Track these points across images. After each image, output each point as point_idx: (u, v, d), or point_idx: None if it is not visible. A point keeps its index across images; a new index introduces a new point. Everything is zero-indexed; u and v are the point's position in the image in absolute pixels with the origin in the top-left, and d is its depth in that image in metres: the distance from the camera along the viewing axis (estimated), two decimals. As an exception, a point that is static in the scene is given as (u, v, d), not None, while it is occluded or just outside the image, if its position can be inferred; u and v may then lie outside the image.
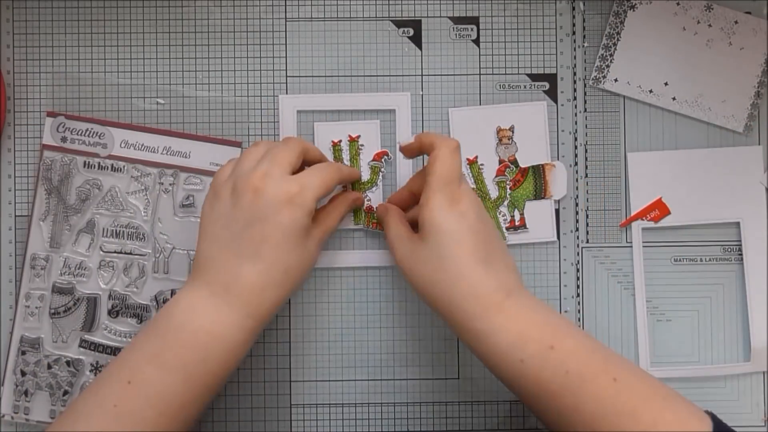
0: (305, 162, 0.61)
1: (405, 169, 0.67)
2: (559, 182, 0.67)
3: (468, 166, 0.67)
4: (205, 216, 0.58)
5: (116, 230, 0.66)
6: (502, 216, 0.67)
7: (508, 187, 0.67)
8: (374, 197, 0.67)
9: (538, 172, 0.67)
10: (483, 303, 0.55)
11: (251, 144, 0.61)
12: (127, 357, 0.56)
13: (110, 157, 0.66)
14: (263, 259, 0.56)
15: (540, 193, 0.67)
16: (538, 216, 0.67)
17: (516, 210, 0.67)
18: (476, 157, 0.67)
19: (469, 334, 0.56)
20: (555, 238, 0.67)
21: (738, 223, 0.67)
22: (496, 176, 0.67)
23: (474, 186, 0.67)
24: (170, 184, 0.66)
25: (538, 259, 0.67)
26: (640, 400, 0.52)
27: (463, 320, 0.56)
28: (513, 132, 0.67)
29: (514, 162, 0.67)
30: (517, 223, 0.67)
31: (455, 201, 0.57)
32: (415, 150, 0.61)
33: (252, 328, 0.56)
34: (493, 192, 0.67)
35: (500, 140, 0.67)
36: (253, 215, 0.56)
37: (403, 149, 0.62)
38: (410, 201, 0.64)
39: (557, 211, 0.67)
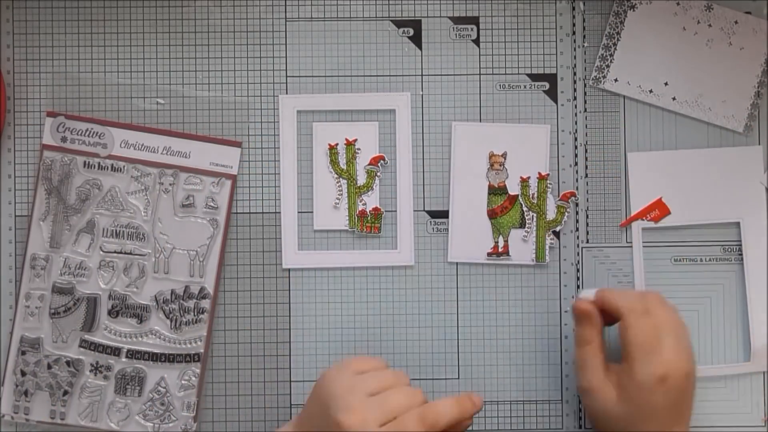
0: None
1: (403, 174, 0.67)
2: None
3: (537, 181, 0.66)
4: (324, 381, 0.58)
5: (116, 230, 0.66)
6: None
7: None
8: (370, 201, 0.67)
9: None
10: None
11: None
12: None
13: (110, 157, 0.66)
14: None
15: (525, 222, 0.67)
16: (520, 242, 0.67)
17: (501, 237, 0.67)
18: (548, 174, 0.66)
19: None
20: (534, 263, 0.67)
21: (738, 223, 0.67)
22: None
23: (536, 201, 0.66)
24: (170, 184, 0.66)
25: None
26: None
27: None
28: (505, 158, 0.67)
29: (504, 188, 0.67)
30: (500, 250, 0.67)
31: (662, 378, 0.58)
32: (593, 311, 0.62)
33: None
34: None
35: (491, 165, 0.67)
36: None
37: (578, 308, 0.62)
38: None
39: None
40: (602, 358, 0.61)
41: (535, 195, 0.66)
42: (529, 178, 0.66)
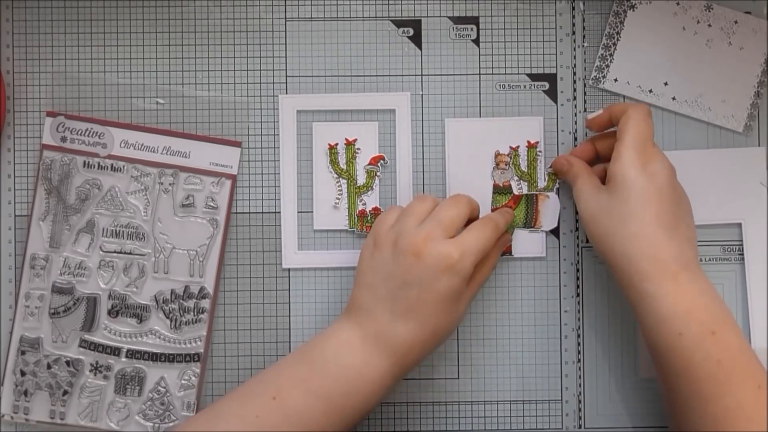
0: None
1: (403, 174, 0.67)
2: (550, 214, 0.67)
3: (527, 150, 0.67)
4: (364, 261, 0.60)
5: (116, 230, 0.66)
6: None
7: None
8: (369, 201, 0.67)
9: (531, 201, 0.67)
10: (658, 267, 0.56)
11: (417, 196, 0.62)
12: (273, 376, 0.59)
13: (110, 156, 0.66)
14: (415, 318, 0.58)
15: (530, 222, 0.67)
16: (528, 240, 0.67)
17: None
18: (537, 143, 0.66)
19: (636, 294, 0.57)
20: (544, 254, 0.67)
21: (739, 225, 0.67)
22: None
23: (526, 170, 0.66)
24: (170, 184, 0.66)
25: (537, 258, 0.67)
26: None
27: (633, 278, 0.57)
28: (511, 158, 0.67)
29: (509, 188, 0.67)
30: (504, 249, 0.67)
31: (648, 160, 0.58)
32: (605, 121, 0.63)
33: (396, 375, 0.58)
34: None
35: (497, 164, 0.67)
36: (412, 277, 0.57)
37: (590, 123, 0.63)
38: (592, 155, 0.64)
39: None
40: (594, 181, 0.62)
41: (526, 164, 0.67)
42: (518, 147, 0.66)
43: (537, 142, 0.67)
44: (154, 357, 0.65)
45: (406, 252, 0.58)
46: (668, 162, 0.59)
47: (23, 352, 0.65)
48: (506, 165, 0.67)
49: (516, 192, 0.67)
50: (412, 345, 0.58)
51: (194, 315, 0.66)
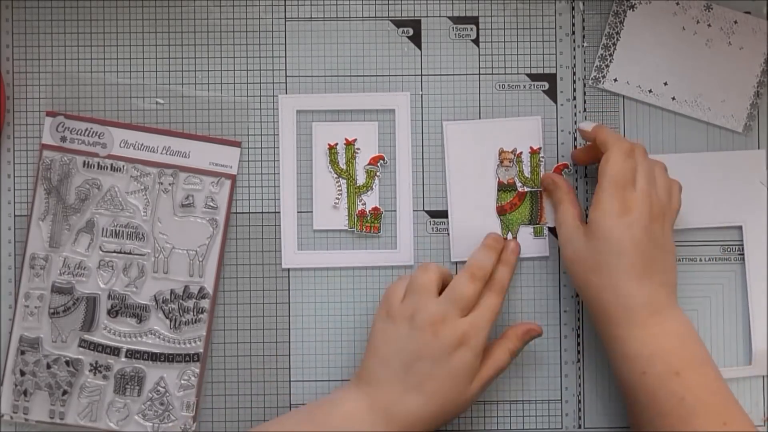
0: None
1: (402, 174, 0.67)
2: None
3: (530, 156, 0.67)
4: (377, 333, 0.61)
5: (116, 230, 0.66)
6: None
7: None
8: (369, 201, 0.67)
9: (535, 197, 0.67)
10: (628, 314, 0.58)
11: (421, 266, 0.63)
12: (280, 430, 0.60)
13: (110, 156, 0.66)
14: (425, 392, 0.58)
15: (535, 218, 0.67)
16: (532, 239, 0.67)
17: (510, 233, 0.67)
18: (540, 149, 0.67)
19: (606, 336, 0.60)
20: (547, 254, 0.67)
21: (740, 227, 0.67)
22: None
23: (529, 176, 0.67)
24: (170, 184, 0.66)
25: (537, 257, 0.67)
26: None
27: (604, 323, 0.60)
28: (515, 155, 0.67)
29: (513, 185, 0.67)
30: None
31: (626, 209, 0.59)
32: (590, 140, 0.64)
33: None
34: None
35: (501, 162, 0.67)
36: (427, 352, 0.59)
37: (580, 132, 0.65)
38: (589, 158, 0.65)
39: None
40: (575, 213, 0.63)
41: (529, 169, 0.67)
42: (521, 153, 0.67)
43: (539, 148, 0.67)
44: (154, 357, 0.65)
45: (423, 328, 0.59)
46: (646, 206, 0.59)
47: (23, 352, 0.65)
48: (510, 162, 0.67)
49: (520, 189, 0.67)
50: (419, 418, 0.59)
51: (194, 315, 0.66)
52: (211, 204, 0.66)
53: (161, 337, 0.65)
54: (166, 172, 0.66)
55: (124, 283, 0.66)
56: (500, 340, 0.63)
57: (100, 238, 0.66)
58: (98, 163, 0.66)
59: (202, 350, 0.66)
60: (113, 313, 0.66)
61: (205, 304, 0.66)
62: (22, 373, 0.65)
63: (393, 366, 0.59)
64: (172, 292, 0.66)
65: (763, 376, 0.67)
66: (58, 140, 0.66)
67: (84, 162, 0.66)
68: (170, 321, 0.66)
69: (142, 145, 0.66)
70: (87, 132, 0.66)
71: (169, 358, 0.65)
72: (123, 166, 0.66)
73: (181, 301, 0.66)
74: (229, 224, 0.66)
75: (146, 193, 0.66)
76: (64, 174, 0.66)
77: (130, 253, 0.66)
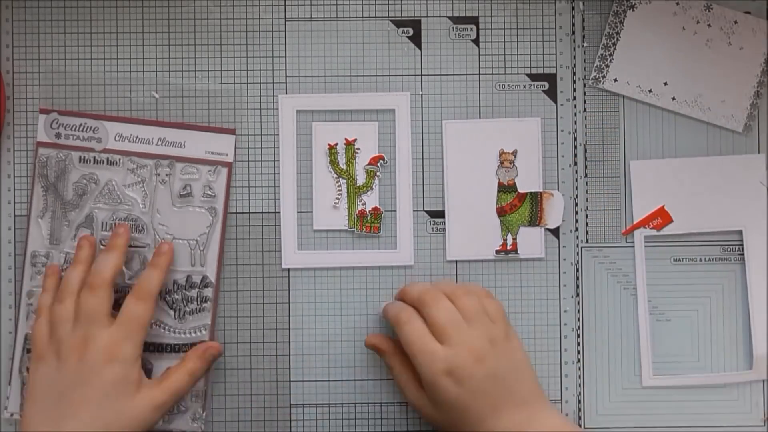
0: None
1: (402, 174, 0.67)
2: (555, 212, 0.67)
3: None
4: (30, 377, 0.61)
5: (115, 223, 0.66)
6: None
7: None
8: (369, 201, 0.67)
9: (535, 199, 0.67)
10: None
11: (56, 297, 0.62)
12: None
13: (105, 150, 0.66)
14: (81, 419, 0.58)
15: (535, 220, 0.67)
16: (530, 238, 0.67)
17: (510, 234, 0.67)
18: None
19: None
20: (543, 255, 0.67)
21: (740, 231, 0.67)
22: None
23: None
24: (167, 175, 0.66)
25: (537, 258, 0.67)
26: None
27: None
28: (515, 156, 0.67)
29: (513, 186, 0.67)
30: (509, 248, 0.67)
31: (446, 372, 0.58)
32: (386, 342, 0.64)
33: None
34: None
35: (501, 163, 0.67)
36: (76, 379, 0.59)
37: (368, 344, 0.65)
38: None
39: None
40: (410, 376, 0.62)
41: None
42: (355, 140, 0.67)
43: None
44: (160, 348, 0.65)
45: (67, 358, 0.59)
46: (463, 358, 0.58)
47: (29, 350, 0.65)
48: (510, 163, 0.67)
49: (521, 190, 0.67)
50: None
51: (197, 304, 0.66)
52: (209, 193, 0.66)
53: (166, 327, 0.65)
54: (162, 163, 0.66)
55: (126, 275, 0.66)
56: (180, 362, 0.63)
57: (100, 233, 0.66)
58: (94, 158, 0.66)
59: (207, 338, 0.65)
60: (117, 306, 0.65)
61: (208, 293, 0.66)
62: (29, 372, 0.65)
63: (45, 404, 0.59)
64: (174, 282, 0.66)
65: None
66: (53, 137, 0.66)
67: (80, 157, 0.66)
68: (174, 311, 0.65)
69: (137, 137, 0.66)
70: (81, 127, 0.66)
71: (175, 348, 0.65)
72: (119, 160, 0.66)
73: (184, 290, 0.66)
74: (227, 223, 0.66)
75: (144, 185, 0.66)
76: (61, 170, 0.66)
77: (130, 246, 0.66)
